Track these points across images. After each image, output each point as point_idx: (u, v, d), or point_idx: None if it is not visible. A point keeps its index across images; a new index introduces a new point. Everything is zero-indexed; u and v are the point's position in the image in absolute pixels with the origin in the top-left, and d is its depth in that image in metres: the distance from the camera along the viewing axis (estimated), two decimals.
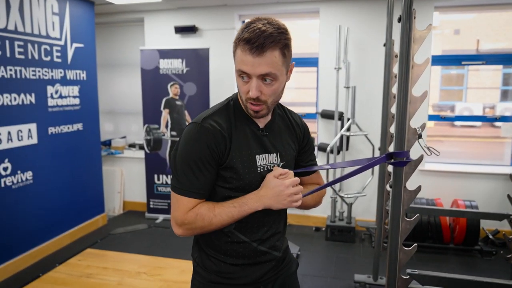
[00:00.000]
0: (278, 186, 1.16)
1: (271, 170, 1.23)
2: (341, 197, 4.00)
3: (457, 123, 12.63)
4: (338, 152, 4.13)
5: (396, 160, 1.66)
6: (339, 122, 4.08)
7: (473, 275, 3.25)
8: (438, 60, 4.20)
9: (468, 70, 13.42)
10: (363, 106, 4.08)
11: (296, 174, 1.33)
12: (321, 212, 4.40)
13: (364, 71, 4.11)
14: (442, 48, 13.53)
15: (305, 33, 4.65)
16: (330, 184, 1.45)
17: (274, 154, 1.27)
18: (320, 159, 4.35)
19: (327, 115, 4.19)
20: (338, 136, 3.91)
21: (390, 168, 3.08)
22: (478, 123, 11.10)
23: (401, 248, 1.85)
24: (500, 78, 11.30)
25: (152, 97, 4.47)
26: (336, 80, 3.97)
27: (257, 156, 1.22)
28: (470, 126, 12.38)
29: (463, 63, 4.23)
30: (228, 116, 1.21)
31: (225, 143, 1.17)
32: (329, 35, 4.12)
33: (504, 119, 4.10)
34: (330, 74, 4.13)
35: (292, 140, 1.35)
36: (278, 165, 1.27)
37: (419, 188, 1.84)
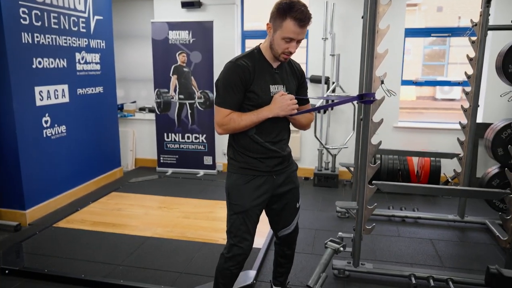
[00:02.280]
0: (282, 100, 1.79)
1: None
2: (327, 149, 4.72)
3: (438, 96, 13.46)
4: (325, 112, 4.82)
5: (365, 99, 2.29)
6: (326, 86, 4.75)
7: (434, 209, 4.05)
8: (411, 32, 4.87)
9: (449, 46, 14.15)
10: (346, 71, 4.75)
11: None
12: (310, 164, 5.12)
13: (347, 41, 4.77)
14: (426, 24, 14.18)
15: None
16: (316, 109, 2.22)
17: (281, 85, 1.88)
18: None
19: (316, 80, 4.86)
20: (324, 96, 4.59)
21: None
22: (458, 96, 11.91)
23: (368, 165, 2.55)
24: None
25: (162, 64, 5.07)
26: (323, 49, 4.62)
27: (270, 85, 1.84)
28: (450, 99, 13.21)
29: (432, 35, 4.91)
30: (253, 59, 1.82)
31: (250, 75, 1.77)
32: (317, 9, 4.74)
33: (465, 83, 4.81)
34: (318, 43, 4.77)
35: (294, 78, 1.97)
36: None
37: (381, 120, 2.54)
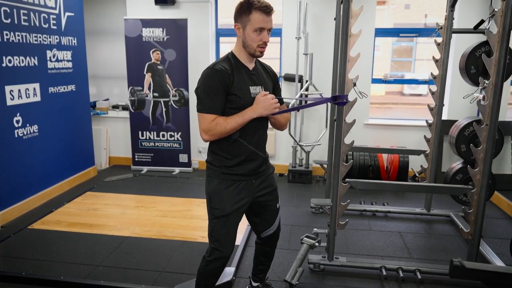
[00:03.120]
0: (264, 100, 1.86)
1: None
2: (301, 146, 4.84)
3: (406, 92, 13.90)
4: (299, 110, 4.93)
5: (339, 100, 2.38)
6: (299, 84, 4.86)
7: (402, 203, 4.23)
8: (381, 32, 5.04)
9: (416, 43, 14.61)
10: (318, 70, 4.87)
11: None
12: (284, 161, 5.24)
13: (320, 40, 4.89)
14: (394, 21, 14.58)
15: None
16: (294, 109, 2.42)
17: (260, 86, 1.95)
18: None
19: (289, 78, 4.96)
20: (298, 95, 4.70)
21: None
22: (424, 92, 12.33)
23: (342, 164, 2.67)
24: None
25: (136, 62, 5.03)
26: (297, 48, 4.72)
27: (250, 87, 1.90)
28: (417, 94, 13.69)
29: (400, 35, 5.10)
30: (230, 63, 1.88)
31: (230, 78, 1.82)
32: (291, 9, 4.83)
33: (431, 82, 5.04)
34: (292, 43, 4.87)
35: (269, 80, 2.05)
36: None
37: (354, 121, 2.66)
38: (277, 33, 5.11)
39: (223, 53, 5.45)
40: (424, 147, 3.88)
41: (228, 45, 5.61)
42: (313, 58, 4.66)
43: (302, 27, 4.69)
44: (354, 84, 2.62)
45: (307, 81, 4.72)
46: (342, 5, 2.55)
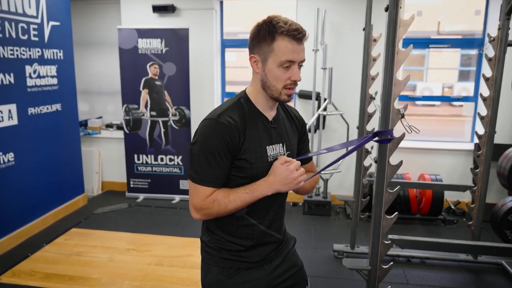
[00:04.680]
0: (284, 172, 1.29)
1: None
2: (318, 173, 4.22)
3: (419, 102, 13.27)
4: (315, 131, 4.33)
5: (381, 137, 1.80)
6: (316, 102, 4.26)
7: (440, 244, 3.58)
8: (407, 42, 4.44)
9: (429, 51, 14.02)
10: (339, 87, 4.27)
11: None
12: None
13: (340, 53, 4.29)
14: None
15: (281, 14, 4.76)
16: (325, 168, 1.60)
17: (281, 145, 1.40)
18: None
19: (305, 95, 4.36)
20: (316, 115, 4.10)
21: (368, 146, 3.32)
22: (438, 102, 11.68)
23: (384, 216, 2.07)
24: (458, 59, 11.83)
25: (131, 77, 4.46)
26: (314, 62, 4.13)
27: (267, 147, 1.35)
28: (430, 105, 13.05)
29: (430, 46, 4.50)
30: (241, 111, 1.33)
31: (239, 136, 1.28)
32: (306, 17, 4.25)
33: (465, 99, 4.43)
34: (308, 55, 4.27)
35: (294, 131, 1.50)
36: (284, 154, 1.39)
37: (400, 163, 2.05)
38: None
39: (229, 66, 4.87)
40: (462, 174, 3.25)
41: (235, 55, 5.05)
42: (332, 73, 4.06)
43: (320, 37, 4.10)
44: (402, 116, 2.01)
45: (325, 99, 4.12)
46: (388, 13, 1.95)
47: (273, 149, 1.37)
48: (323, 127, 4.35)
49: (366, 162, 3.28)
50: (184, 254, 3.31)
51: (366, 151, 3.27)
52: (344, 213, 4.33)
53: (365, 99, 3.11)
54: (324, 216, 4.26)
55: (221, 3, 4.65)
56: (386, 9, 1.96)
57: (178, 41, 4.35)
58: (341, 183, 4.51)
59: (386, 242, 2.13)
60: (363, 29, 3.07)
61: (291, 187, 1.32)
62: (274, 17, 1.28)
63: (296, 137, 1.51)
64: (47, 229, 3.81)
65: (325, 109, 4.11)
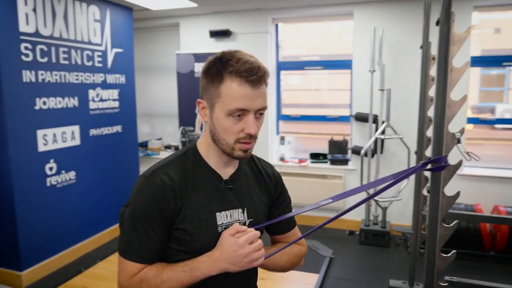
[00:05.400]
0: (231, 246, 1.01)
1: None
2: (376, 201, 3.95)
3: (498, 125, 12.16)
4: (372, 155, 4.09)
5: (434, 165, 1.59)
6: (374, 125, 4.03)
7: None
8: (478, 61, 4.08)
9: (510, 71, 12.89)
10: (398, 109, 4.01)
11: (270, 232, 1.25)
12: (355, 216, 4.36)
13: (399, 73, 4.05)
14: (482, 47, 13.07)
15: (338, 35, 4.63)
16: (337, 217, 1.13)
17: (240, 210, 1.11)
18: (354, 162, 4.32)
19: (361, 118, 4.15)
20: (373, 139, 3.86)
21: (427, 172, 3.02)
22: None
23: (438, 254, 1.82)
24: None
25: (188, 100, 4.57)
26: (371, 83, 3.93)
27: (217, 213, 1.07)
28: (510, 129, 11.88)
29: (504, 64, 4.08)
30: (184, 167, 1.08)
31: (176, 200, 1.03)
32: (363, 37, 4.08)
33: None
34: (364, 76, 4.09)
35: (262, 192, 1.19)
36: (245, 223, 1.12)
37: (457, 193, 1.81)
38: (347, 65, 4.36)
39: (284, 88, 4.81)
40: None
41: (291, 78, 4.99)
42: (391, 94, 3.82)
43: (377, 58, 3.91)
44: (458, 141, 1.78)
45: (383, 122, 3.88)
46: (439, 28, 1.77)
47: (226, 217, 1.09)
48: (381, 152, 4.08)
49: (426, 191, 2.98)
50: None
51: (426, 178, 2.99)
52: (404, 245, 3.97)
53: (423, 121, 2.86)
54: (383, 247, 3.94)
55: (276, 26, 4.64)
56: (437, 23, 1.77)
57: None
58: (401, 212, 4.17)
59: (442, 284, 1.87)
60: (421, 47, 2.85)
61: (242, 267, 1.02)
62: (227, 53, 1.03)
63: (266, 199, 1.20)
64: (103, 246, 3.94)
65: (383, 132, 3.86)
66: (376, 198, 3.94)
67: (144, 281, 1.02)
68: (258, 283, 1.24)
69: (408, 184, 3.93)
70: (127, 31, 4.26)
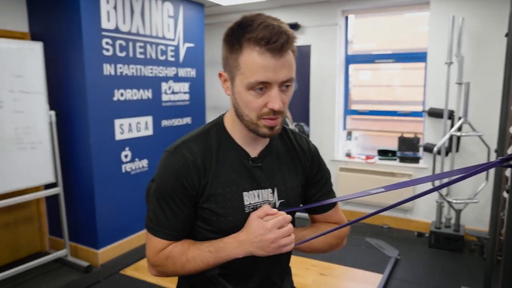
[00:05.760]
0: (258, 229, 0.94)
1: None
2: (449, 202, 3.70)
3: None
4: (447, 154, 3.83)
5: None
6: (449, 121, 3.77)
7: None
8: None
9: None
10: (477, 104, 3.72)
11: (309, 210, 1.15)
12: (425, 217, 4.13)
13: (480, 65, 3.74)
14: None
15: (412, 27, 4.38)
16: (378, 212, 0.93)
17: (270, 190, 1.04)
18: (426, 160, 4.08)
19: (435, 114, 3.91)
20: (447, 136, 3.62)
21: (508, 172, 2.78)
22: None
23: None
24: None
25: None
26: (447, 76, 3.68)
27: (244, 193, 1.00)
28: None
29: None
30: (209, 143, 1.01)
31: (200, 177, 0.98)
32: (440, 27, 3.83)
33: None
34: (440, 69, 3.83)
35: (296, 170, 1.10)
36: (275, 204, 1.05)
37: None
38: (422, 57, 4.13)
39: (354, 84, 4.68)
40: None
41: (361, 74, 4.83)
42: (469, 88, 3.55)
43: (455, 49, 3.64)
44: None
45: (460, 118, 3.61)
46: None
47: (254, 196, 1.01)
48: (457, 150, 3.81)
49: (506, 192, 2.73)
50: None
51: (507, 179, 2.74)
52: (480, 251, 3.68)
53: (506, 117, 2.61)
54: (455, 252, 3.69)
55: (346, 18, 4.52)
56: None
57: (299, 58, 4.33)
58: (478, 216, 3.86)
59: None
60: (506, 35, 2.60)
61: (269, 252, 0.95)
62: (248, 16, 0.92)
63: (301, 178, 1.10)
64: None
65: (459, 129, 3.60)
66: (449, 199, 3.69)
67: (170, 258, 0.99)
68: (318, 278, 1.21)
69: (487, 186, 3.62)
70: (198, 26, 4.42)
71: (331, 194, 1.16)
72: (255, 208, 1.01)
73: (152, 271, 1.05)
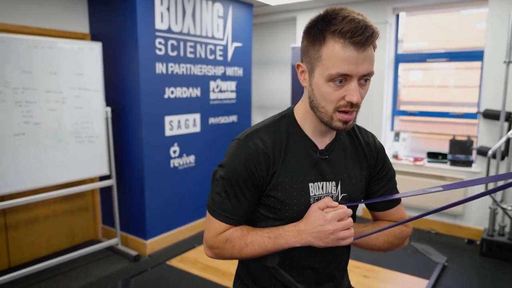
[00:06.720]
0: (318, 220, 0.96)
1: None
2: (503, 208, 3.51)
3: None
4: (503, 158, 3.64)
5: None
6: (506, 124, 3.58)
7: None
8: None
9: None
10: None
11: (370, 207, 1.18)
12: (476, 224, 3.94)
13: None
14: None
15: (467, 25, 4.19)
16: (422, 215, 0.99)
17: (333, 183, 1.06)
18: (479, 164, 3.89)
19: (491, 115, 3.72)
20: (504, 139, 3.43)
21: None
22: None
23: None
24: None
25: (301, 93, 4.58)
26: (505, 76, 3.49)
27: (311, 184, 1.03)
28: None
29: None
30: (279, 133, 1.04)
31: (268, 166, 1.01)
32: (499, 24, 3.63)
33: None
34: (498, 68, 3.64)
35: (361, 165, 1.11)
36: (337, 198, 1.07)
37: None
38: (478, 56, 3.94)
39: (404, 85, 4.55)
40: None
41: (411, 74, 4.69)
42: None
43: None
44: None
45: None
46: None
47: (319, 188, 1.04)
48: None
49: None
50: None
51: None
52: None
53: None
54: (509, 261, 3.50)
55: (397, 16, 4.41)
56: None
57: None
58: None
59: None
60: None
61: (327, 243, 0.97)
62: (331, 10, 0.94)
63: (366, 173, 1.12)
64: None
65: None
66: (504, 206, 3.50)
67: (229, 241, 1.03)
68: (360, 279, 1.22)
69: None
70: (247, 26, 4.49)
71: (394, 192, 1.16)
72: (319, 199, 1.04)
73: (209, 253, 1.10)
